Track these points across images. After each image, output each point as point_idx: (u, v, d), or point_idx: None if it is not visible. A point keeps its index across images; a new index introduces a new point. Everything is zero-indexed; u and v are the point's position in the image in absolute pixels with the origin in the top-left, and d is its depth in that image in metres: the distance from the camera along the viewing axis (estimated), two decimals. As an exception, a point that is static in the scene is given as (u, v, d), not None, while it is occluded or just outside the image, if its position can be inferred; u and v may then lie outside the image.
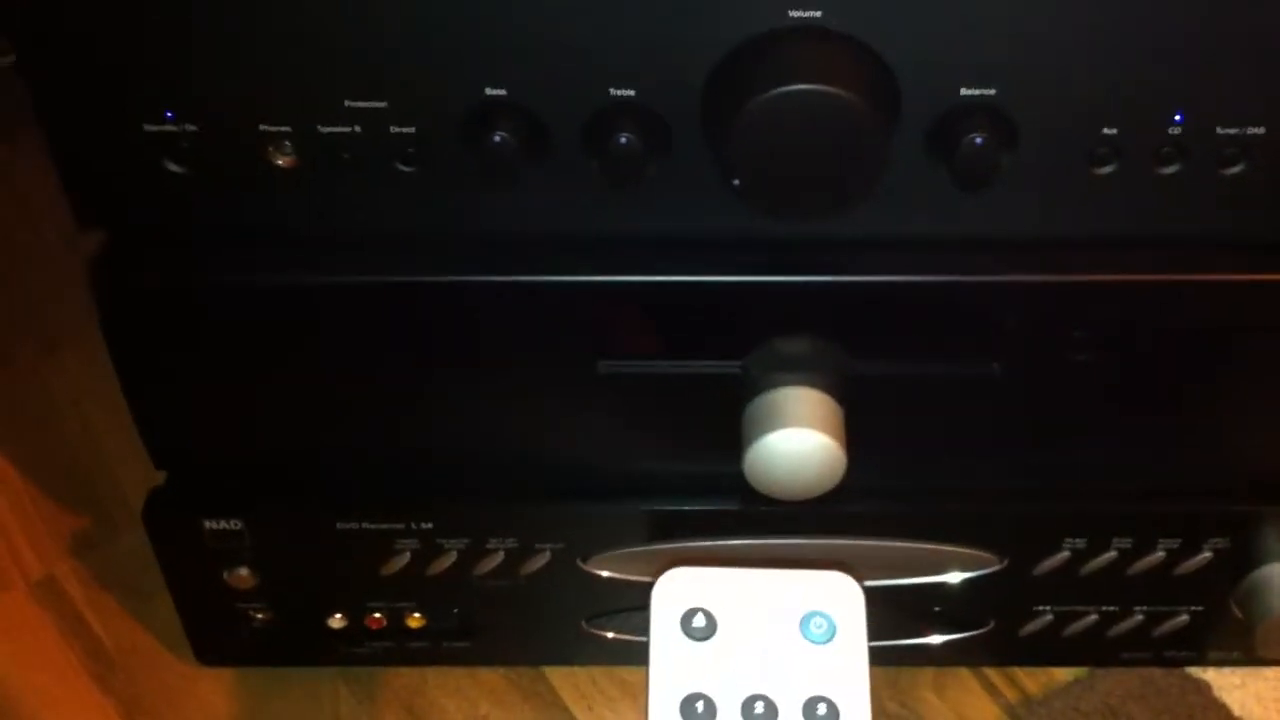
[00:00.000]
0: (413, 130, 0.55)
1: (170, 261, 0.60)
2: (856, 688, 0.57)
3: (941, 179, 0.55)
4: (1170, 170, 0.56)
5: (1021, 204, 0.57)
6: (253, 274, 0.60)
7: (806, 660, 0.57)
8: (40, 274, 0.98)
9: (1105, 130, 0.55)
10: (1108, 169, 0.56)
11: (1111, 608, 0.72)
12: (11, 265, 0.99)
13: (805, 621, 0.57)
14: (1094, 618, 0.72)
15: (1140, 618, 0.72)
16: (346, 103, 0.54)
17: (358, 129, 0.55)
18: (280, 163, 0.56)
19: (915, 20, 0.52)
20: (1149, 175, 0.56)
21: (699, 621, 0.57)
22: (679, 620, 0.57)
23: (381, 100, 0.54)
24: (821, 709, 0.56)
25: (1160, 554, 0.69)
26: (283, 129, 0.55)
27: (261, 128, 0.55)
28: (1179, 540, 0.69)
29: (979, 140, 0.53)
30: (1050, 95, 0.54)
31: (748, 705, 0.56)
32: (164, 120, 0.55)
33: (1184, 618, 0.72)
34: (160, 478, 0.70)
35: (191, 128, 0.55)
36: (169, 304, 0.61)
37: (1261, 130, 0.55)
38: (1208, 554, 0.69)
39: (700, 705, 0.56)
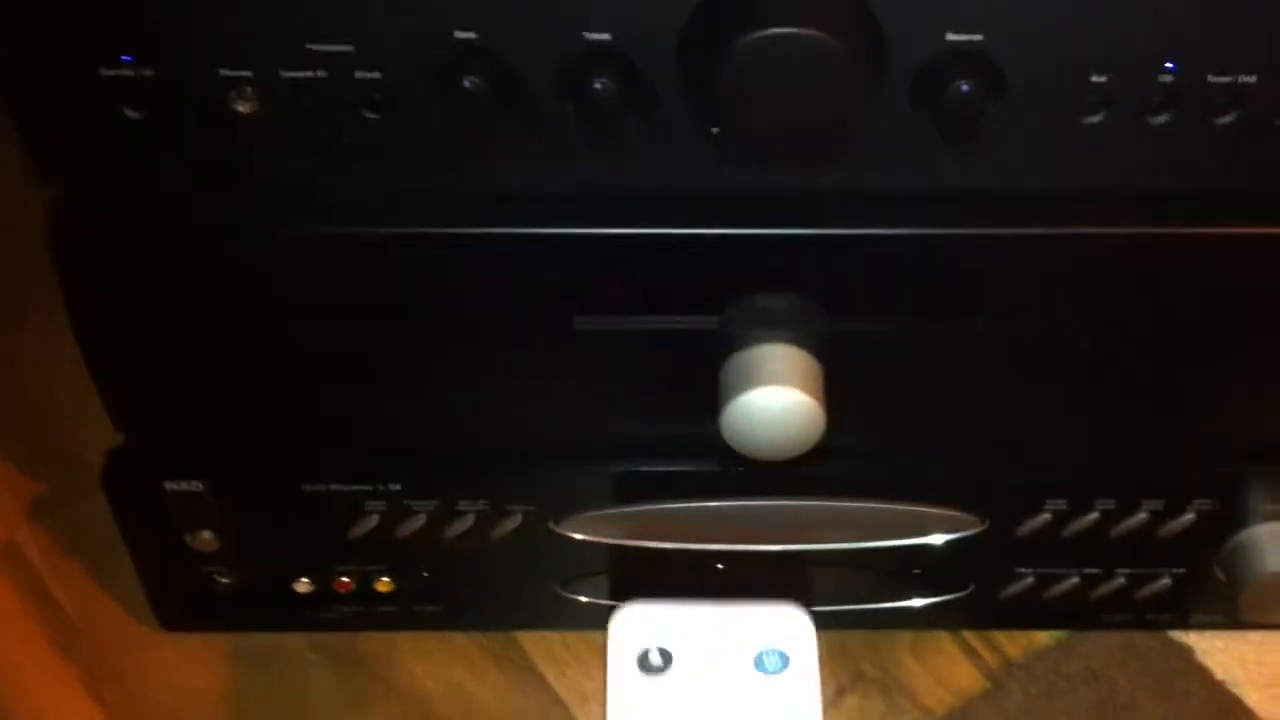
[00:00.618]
0: (379, 75, 0.53)
1: (127, 213, 0.58)
2: (809, 717, 0.58)
3: (926, 128, 0.54)
4: (1160, 120, 0.54)
5: (1008, 154, 0.56)
6: (212, 226, 0.58)
7: (760, 692, 0.59)
8: (6, 240, 0.96)
9: (1094, 78, 0.53)
10: (1096, 118, 0.54)
11: (1094, 570, 0.71)
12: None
13: (758, 656, 0.59)
14: (1075, 580, 0.72)
15: (1122, 580, 0.72)
16: (309, 46, 0.52)
17: (322, 73, 0.53)
18: (241, 109, 0.54)
19: None
20: (1139, 125, 0.54)
21: (655, 659, 0.59)
22: (635, 657, 0.59)
23: (346, 44, 0.52)
24: None
25: (1143, 515, 0.68)
26: (243, 73, 0.53)
27: (222, 72, 0.53)
28: (1162, 502, 0.68)
29: (965, 88, 0.52)
30: (1038, 42, 0.52)
31: None
32: (121, 64, 0.53)
33: (1166, 580, 0.72)
34: (120, 439, 0.68)
35: (149, 72, 0.53)
36: (125, 256, 0.59)
37: (1253, 79, 0.53)
38: (1191, 516, 0.68)
39: None
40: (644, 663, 0.59)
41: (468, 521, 0.68)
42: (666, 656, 0.58)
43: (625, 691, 0.58)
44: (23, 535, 0.82)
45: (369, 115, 0.54)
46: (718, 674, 0.59)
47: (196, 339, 0.62)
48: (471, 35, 0.52)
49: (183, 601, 0.73)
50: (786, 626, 0.59)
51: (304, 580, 0.72)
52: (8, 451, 0.86)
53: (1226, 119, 0.54)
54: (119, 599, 0.78)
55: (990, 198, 0.58)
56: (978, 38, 0.52)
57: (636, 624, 0.60)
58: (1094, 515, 0.68)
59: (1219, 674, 0.74)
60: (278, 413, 0.66)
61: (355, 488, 0.67)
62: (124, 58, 0.53)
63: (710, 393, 0.60)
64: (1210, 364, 0.64)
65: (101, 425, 0.67)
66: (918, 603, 0.73)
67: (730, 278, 0.60)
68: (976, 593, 0.72)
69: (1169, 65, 0.53)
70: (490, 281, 0.60)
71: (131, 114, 0.54)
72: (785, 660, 0.59)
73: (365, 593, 0.72)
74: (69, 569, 0.80)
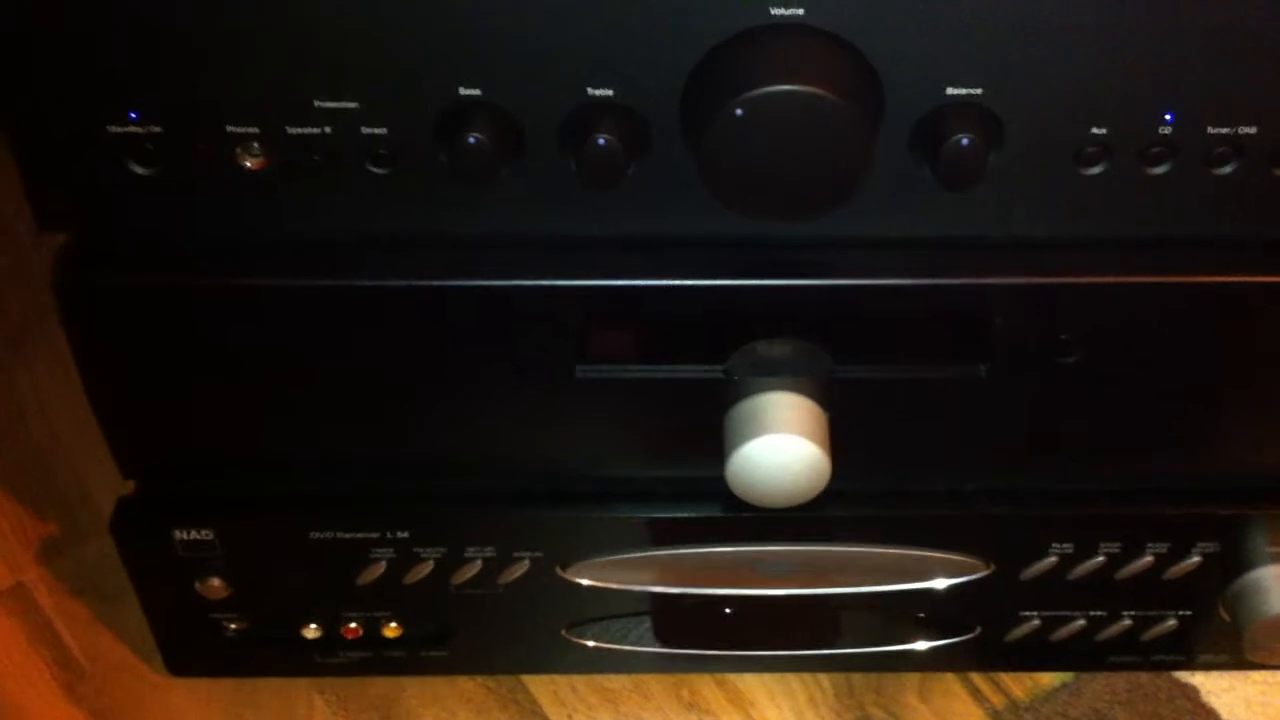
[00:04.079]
0: (384, 131, 0.54)
1: (133, 264, 0.59)
2: None
3: (927, 179, 0.54)
4: (1160, 170, 0.55)
5: (1008, 204, 0.56)
6: (218, 276, 0.59)
7: None
8: (2, 270, 0.97)
9: (1094, 130, 0.54)
10: (1096, 169, 0.55)
11: (1099, 612, 0.71)
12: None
13: None
14: (1081, 622, 0.72)
15: (1128, 622, 0.72)
16: (316, 103, 0.53)
17: (328, 130, 0.54)
18: (248, 164, 0.55)
19: (900, 18, 0.51)
20: (1139, 175, 0.55)
21: None
22: None
23: (352, 100, 0.53)
24: None
25: (1149, 558, 0.68)
26: (250, 130, 0.54)
27: (229, 128, 0.54)
28: (1168, 545, 0.68)
29: (965, 140, 0.52)
30: (1038, 94, 0.53)
31: None
32: (128, 121, 0.54)
33: (1172, 622, 0.72)
34: (128, 484, 0.68)
35: (156, 129, 0.54)
36: (132, 307, 0.60)
37: (1254, 130, 0.54)
38: (1197, 558, 0.69)
39: None
40: None
41: (475, 568, 0.68)
42: None
43: None
44: (31, 578, 0.83)
45: (374, 170, 0.55)
46: None
47: (203, 389, 0.63)
48: (475, 91, 0.53)
49: (191, 646, 0.73)
50: None
51: (312, 626, 0.72)
52: (14, 493, 0.86)
53: (1226, 169, 0.55)
54: (127, 642, 0.78)
55: (990, 247, 0.58)
56: (977, 91, 0.52)
57: None
58: (1099, 558, 0.68)
59: (1225, 714, 0.75)
60: (285, 461, 0.66)
61: (363, 535, 0.67)
62: (131, 115, 0.53)
63: (716, 438, 0.61)
64: (1212, 408, 0.64)
65: (107, 465, 0.67)
66: (924, 645, 0.73)
67: (732, 327, 0.60)
68: (982, 635, 0.73)
69: (1168, 117, 0.53)
70: (492, 331, 0.60)
71: (139, 170, 0.55)
72: None
73: (373, 638, 0.72)
74: (76, 612, 0.81)
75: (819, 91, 0.50)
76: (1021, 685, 0.76)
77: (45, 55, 0.52)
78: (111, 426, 0.64)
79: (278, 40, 0.52)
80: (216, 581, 0.69)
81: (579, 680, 0.76)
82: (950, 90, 0.53)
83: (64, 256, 0.59)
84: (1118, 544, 0.68)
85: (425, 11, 0.51)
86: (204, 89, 0.53)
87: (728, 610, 0.71)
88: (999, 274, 0.58)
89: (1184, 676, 0.76)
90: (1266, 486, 0.67)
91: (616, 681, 0.77)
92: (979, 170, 0.53)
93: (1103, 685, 0.76)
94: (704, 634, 0.72)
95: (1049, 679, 0.76)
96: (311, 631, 0.72)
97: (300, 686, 0.76)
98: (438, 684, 0.76)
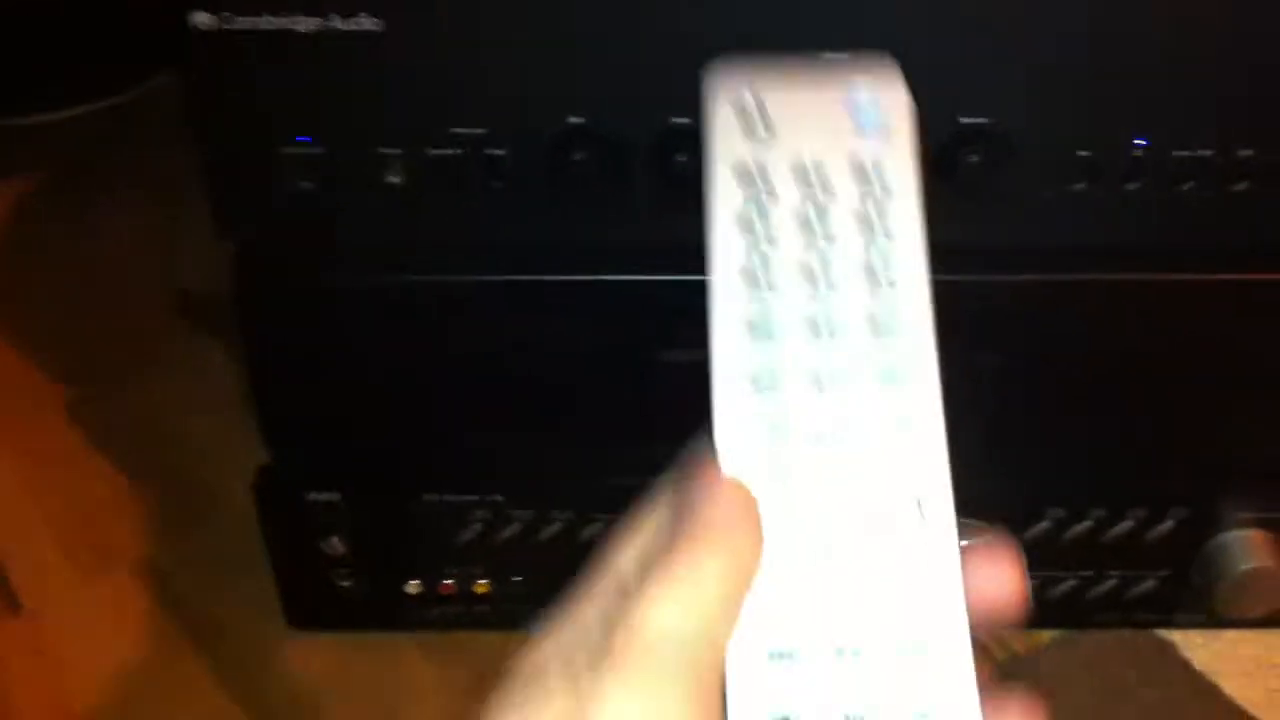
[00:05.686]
0: (505, 152, 0.65)
1: (298, 263, 0.70)
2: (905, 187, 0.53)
3: (946, 195, 0.64)
4: (1133, 186, 0.66)
5: (1010, 214, 0.67)
6: (368, 274, 0.70)
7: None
8: (131, 304, 1.09)
9: (1080, 153, 0.65)
10: (1081, 185, 0.66)
11: (1088, 572, 0.81)
12: (104, 296, 1.10)
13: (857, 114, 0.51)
14: (1073, 582, 0.81)
15: (1114, 582, 0.81)
16: (451, 130, 0.64)
17: (458, 151, 0.65)
18: (393, 180, 0.66)
19: (923, 58, 0.61)
20: (1116, 190, 0.66)
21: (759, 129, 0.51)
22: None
23: (480, 127, 0.64)
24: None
25: (1129, 523, 0.79)
26: (396, 151, 0.65)
27: (379, 150, 0.65)
28: (1146, 510, 0.78)
29: (974, 159, 0.64)
30: (1035, 123, 0.64)
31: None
32: (298, 144, 0.65)
33: (1152, 582, 0.81)
34: (239, 468, 0.79)
35: (321, 150, 0.65)
36: (297, 300, 0.71)
37: (1209, 153, 0.65)
38: (1171, 523, 0.79)
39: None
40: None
41: (556, 528, 0.79)
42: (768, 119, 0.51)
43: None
44: (161, 551, 0.94)
45: (495, 184, 0.66)
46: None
47: (341, 376, 0.74)
48: (581, 119, 0.64)
49: (309, 602, 0.83)
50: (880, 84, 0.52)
51: (414, 583, 0.82)
52: (147, 481, 0.98)
53: (1186, 186, 0.66)
54: (247, 604, 0.88)
55: (998, 252, 0.69)
56: (985, 120, 0.64)
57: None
58: (1088, 522, 0.79)
59: (1199, 665, 0.84)
60: (404, 435, 0.77)
61: (465, 498, 0.78)
62: (301, 139, 0.65)
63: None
64: (1183, 394, 0.74)
65: (223, 458, 0.81)
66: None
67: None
68: (989, 594, 0.83)
69: (1140, 141, 0.64)
70: (590, 321, 0.71)
71: (304, 184, 0.66)
72: (880, 119, 0.52)
73: (465, 594, 0.82)
74: (202, 578, 0.91)
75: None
76: (1021, 641, 0.86)
77: (244, 95, 0.64)
78: (263, 405, 0.74)
79: (424, 81, 0.63)
80: (337, 540, 0.79)
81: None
82: (963, 119, 0.64)
83: (240, 263, 0.70)
84: (1103, 509, 0.78)
85: (541, 57, 0.63)
86: (362, 118, 0.64)
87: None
88: (1002, 272, 0.69)
89: (1164, 633, 0.86)
90: (1231, 460, 0.78)
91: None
92: (986, 185, 0.64)
93: (1093, 640, 0.85)
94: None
95: (1045, 635, 0.86)
96: (414, 588, 0.82)
97: (401, 640, 0.86)
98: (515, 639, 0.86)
